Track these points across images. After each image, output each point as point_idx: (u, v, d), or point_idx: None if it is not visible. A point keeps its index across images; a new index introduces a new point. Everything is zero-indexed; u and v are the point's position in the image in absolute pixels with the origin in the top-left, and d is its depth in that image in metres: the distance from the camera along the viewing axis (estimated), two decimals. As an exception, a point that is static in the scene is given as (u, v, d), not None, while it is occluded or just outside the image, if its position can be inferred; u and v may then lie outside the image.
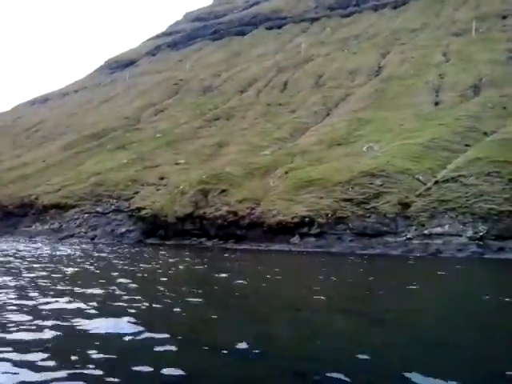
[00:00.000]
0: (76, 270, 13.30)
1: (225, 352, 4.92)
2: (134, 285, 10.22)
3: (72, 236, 35.17)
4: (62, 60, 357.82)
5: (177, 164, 43.58)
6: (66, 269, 13.10)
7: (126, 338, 5.26)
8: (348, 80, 61.34)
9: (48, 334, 5.31)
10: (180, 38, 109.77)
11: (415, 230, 24.63)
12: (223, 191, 33.14)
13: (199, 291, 9.51)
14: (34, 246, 25.56)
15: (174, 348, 5.00)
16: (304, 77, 65.71)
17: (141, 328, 5.72)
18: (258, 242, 28.90)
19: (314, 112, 53.12)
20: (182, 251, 24.31)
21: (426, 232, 24.04)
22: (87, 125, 66.04)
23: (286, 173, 34.67)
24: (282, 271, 15.00)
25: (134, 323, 5.99)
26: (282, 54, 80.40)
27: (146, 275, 12.71)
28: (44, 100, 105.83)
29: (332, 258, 21.54)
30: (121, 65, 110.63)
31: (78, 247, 25.18)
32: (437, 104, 46.93)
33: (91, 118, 69.45)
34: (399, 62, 61.96)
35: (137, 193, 37.97)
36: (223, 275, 12.55)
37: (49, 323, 5.84)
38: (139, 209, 35.03)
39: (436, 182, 26.98)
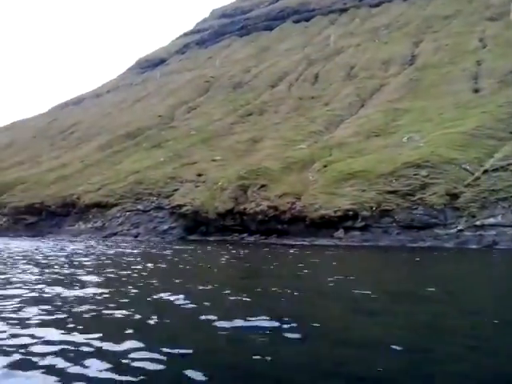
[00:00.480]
0: (153, 266, 13.28)
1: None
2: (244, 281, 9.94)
3: (115, 234, 35.56)
4: (95, 61, 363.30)
5: (213, 160, 43.55)
6: (139, 266, 12.97)
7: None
8: (381, 70, 60.12)
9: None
10: (208, 36, 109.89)
11: (466, 221, 23.80)
12: (262, 186, 32.87)
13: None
14: (85, 244, 25.83)
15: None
16: (335, 69, 64.77)
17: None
18: (300, 237, 28.56)
19: (348, 104, 52.26)
20: (230, 247, 24.15)
21: (477, 223, 23.20)
22: (122, 124, 66.78)
23: (325, 166, 34.15)
24: (366, 268, 14.53)
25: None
26: (311, 47, 79.48)
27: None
28: (78, 101, 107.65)
29: (391, 253, 20.92)
30: (151, 64, 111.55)
31: (129, 245, 25.31)
32: (476, 91, 45.43)
33: (125, 118, 70.21)
34: (433, 51, 60.34)
35: (176, 190, 38.07)
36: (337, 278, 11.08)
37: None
38: (180, 206, 35.11)
39: (485, 172, 26.03)
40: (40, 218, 42.49)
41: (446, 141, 31.31)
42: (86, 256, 16.82)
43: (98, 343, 4.69)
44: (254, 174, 34.19)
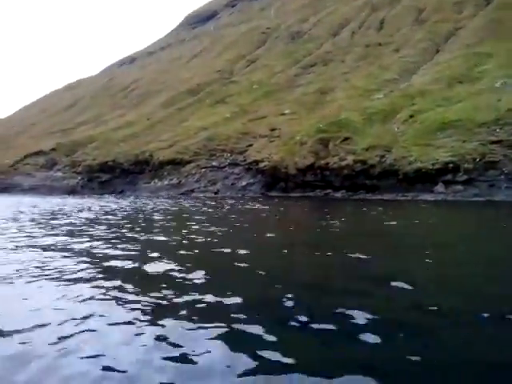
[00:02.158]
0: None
1: None
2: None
3: (192, 191, 34.76)
4: (143, 19, 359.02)
5: (283, 114, 41.55)
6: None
7: None
8: (454, 12, 54.99)
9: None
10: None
11: None
12: (345, 139, 30.78)
13: None
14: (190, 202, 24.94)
15: None
16: (402, 13, 59.93)
17: None
18: (391, 192, 26.58)
19: (422, 50, 48.23)
20: (329, 204, 22.58)
21: None
22: (181, 81, 65.34)
23: (411, 116, 31.47)
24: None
25: None
26: (372, -8, 73.94)
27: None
28: (131, 60, 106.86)
29: (503, 209, 18.73)
30: (201, 19, 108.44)
31: (216, 202, 24.20)
32: None
33: (184, 74, 68.62)
34: (513, -13, 54.30)
35: (250, 145, 36.60)
36: None
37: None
38: (256, 162, 33.69)
39: None
40: (113, 176, 42.32)
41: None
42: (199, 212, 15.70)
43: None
44: (334, 127, 32.05)
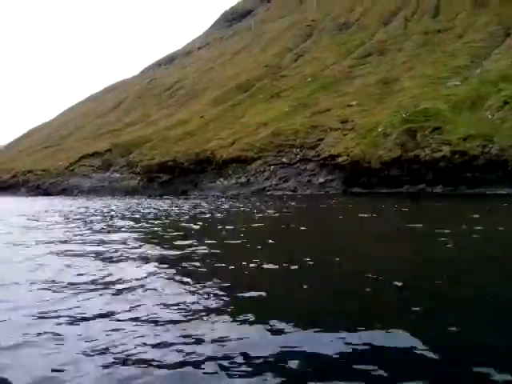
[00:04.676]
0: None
1: None
2: None
3: (263, 189, 32.30)
4: (173, 20, 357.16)
5: (350, 106, 38.62)
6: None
7: None
8: (518, -7, 50.84)
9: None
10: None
11: None
12: (435, 129, 27.71)
13: None
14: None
15: None
16: (458, -2, 56.04)
17: None
18: (497, 186, 23.46)
19: (489, 34, 44.56)
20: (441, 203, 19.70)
21: None
22: (228, 78, 63.01)
23: (507, 103, 28.17)
24: None
25: None
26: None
27: None
28: (169, 60, 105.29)
29: None
30: (237, 16, 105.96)
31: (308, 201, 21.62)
32: None
33: (229, 71, 66.28)
34: None
35: (321, 139, 33.87)
36: None
37: None
38: (332, 156, 30.96)
39: None
40: (173, 176, 40.24)
41: None
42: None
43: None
44: (420, 116, 29.02)
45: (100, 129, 64.68)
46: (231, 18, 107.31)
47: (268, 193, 30.96)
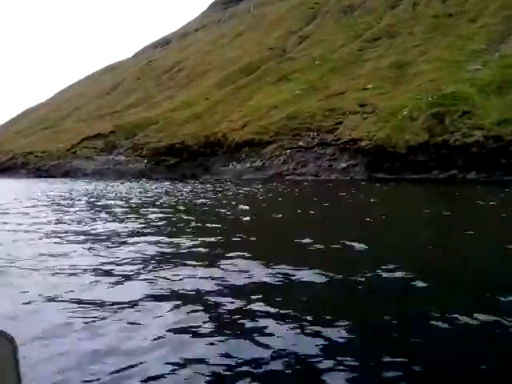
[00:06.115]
0: None
1: None
2: None
3: (280, 174, 30.66)
4: (165, 3, 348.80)
5: (365, 89, 36.95)
6: None
7: None
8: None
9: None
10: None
11: None
12: (465, 113, 26.24)
13: None
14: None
15: None
16: (468, -19, 54.18)
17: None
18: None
19: (504, 17, 42.93)
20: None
21: None
22: (229, 60, 60.66)
23: (538, 86, 26.77)
24: None
25: None
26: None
27: None
28: (165, 42, 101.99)
29: None
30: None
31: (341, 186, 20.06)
32: None
33: (230, 54, 63.83)
34: None
35: (339, 123, 32.23)
36: None
37: None
38: (354, 140, 29.37)
39: None
40: (181, 159, 38.38)
41: None
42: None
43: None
44: (448, 100, 27.49)
45: (99, 110, 62.11)
46: (228, 1, 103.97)
47: (287, 177, 29.32)
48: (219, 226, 8.15)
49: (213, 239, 6.59)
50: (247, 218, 9.00)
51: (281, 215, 9.72)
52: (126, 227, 8.16)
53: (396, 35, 49.15)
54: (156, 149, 39.62)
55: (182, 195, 15.73)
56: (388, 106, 30.91)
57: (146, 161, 39.41)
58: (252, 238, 6.98)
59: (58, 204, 13.47)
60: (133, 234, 7.39)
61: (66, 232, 7.66)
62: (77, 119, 61.35)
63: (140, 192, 18.28)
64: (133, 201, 14.04)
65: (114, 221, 9.26)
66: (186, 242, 6.43)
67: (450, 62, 36.91)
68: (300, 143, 32.03)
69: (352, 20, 58.65)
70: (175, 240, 6.60)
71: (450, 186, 20.66)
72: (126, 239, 6.81)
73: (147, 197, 15.62)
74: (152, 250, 5.88)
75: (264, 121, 36.22)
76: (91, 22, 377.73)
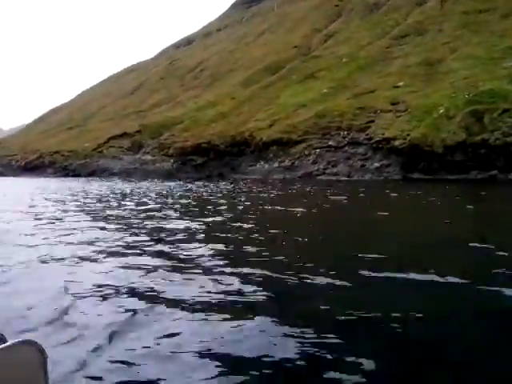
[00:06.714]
0: None
1: None
2: None
3: (310, 174, 29.99)
4: (186, 3, 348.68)
5: (396, 87, 36.00)
6: None
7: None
8: None
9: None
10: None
11: None
12: (505, 111, 25.17)
13: None
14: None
15: None
16: (500, -24, 52.56)
17: None
18: None
19: (539, 13, 41.48)
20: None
21: None
22: (254, 59, 60.22)
23: None
24: None
25: None
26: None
27: None
28: (188, 42, 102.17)
29: None
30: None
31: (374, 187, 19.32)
32: None
33: (255, 53, 63.38)
34: None
35: (370, 122, 31.39)
36: None
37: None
38: (387, 139, 28.51)
39: None
40: (208, 159, 38.00)
41: None
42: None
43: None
44: (486, 97, 26.45)
45: (124, 110, 62.32)
46: (250, 0, 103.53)
47: (317, 177, 28.63)
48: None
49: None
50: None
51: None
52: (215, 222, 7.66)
53: (424, 32, 47.93)
54: (182, 148, 39.34)
55: (234, 195, 15.21)
56: (421, 105, 29.96)
57: (172, 160, 39.16)
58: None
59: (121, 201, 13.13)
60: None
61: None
62: (102, 119, 61.62)
63: (189, 191, 17.81)
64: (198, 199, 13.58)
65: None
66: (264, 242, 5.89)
67: (483, 59, 35.65)
68: (330, 142, 31.30)
69: (378, 17, 57.54)
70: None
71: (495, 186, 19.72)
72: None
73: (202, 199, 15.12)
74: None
75: (292, 120, 35.59)
76: (112, 24, 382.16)
